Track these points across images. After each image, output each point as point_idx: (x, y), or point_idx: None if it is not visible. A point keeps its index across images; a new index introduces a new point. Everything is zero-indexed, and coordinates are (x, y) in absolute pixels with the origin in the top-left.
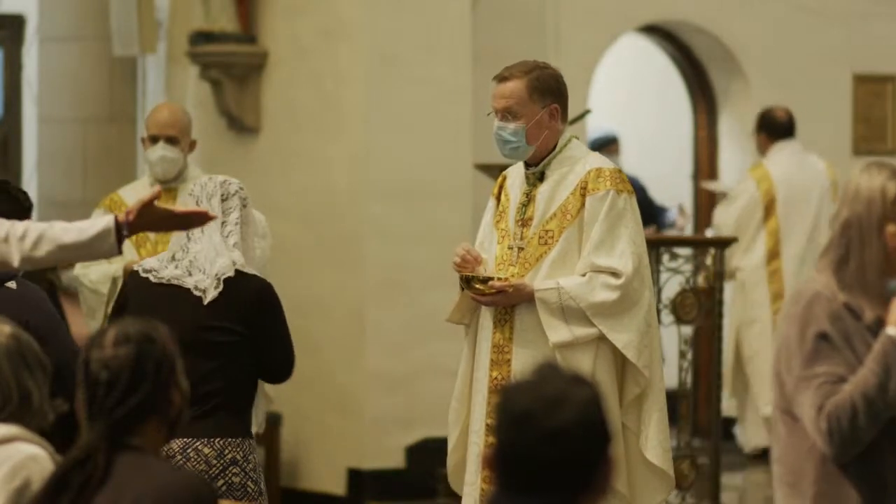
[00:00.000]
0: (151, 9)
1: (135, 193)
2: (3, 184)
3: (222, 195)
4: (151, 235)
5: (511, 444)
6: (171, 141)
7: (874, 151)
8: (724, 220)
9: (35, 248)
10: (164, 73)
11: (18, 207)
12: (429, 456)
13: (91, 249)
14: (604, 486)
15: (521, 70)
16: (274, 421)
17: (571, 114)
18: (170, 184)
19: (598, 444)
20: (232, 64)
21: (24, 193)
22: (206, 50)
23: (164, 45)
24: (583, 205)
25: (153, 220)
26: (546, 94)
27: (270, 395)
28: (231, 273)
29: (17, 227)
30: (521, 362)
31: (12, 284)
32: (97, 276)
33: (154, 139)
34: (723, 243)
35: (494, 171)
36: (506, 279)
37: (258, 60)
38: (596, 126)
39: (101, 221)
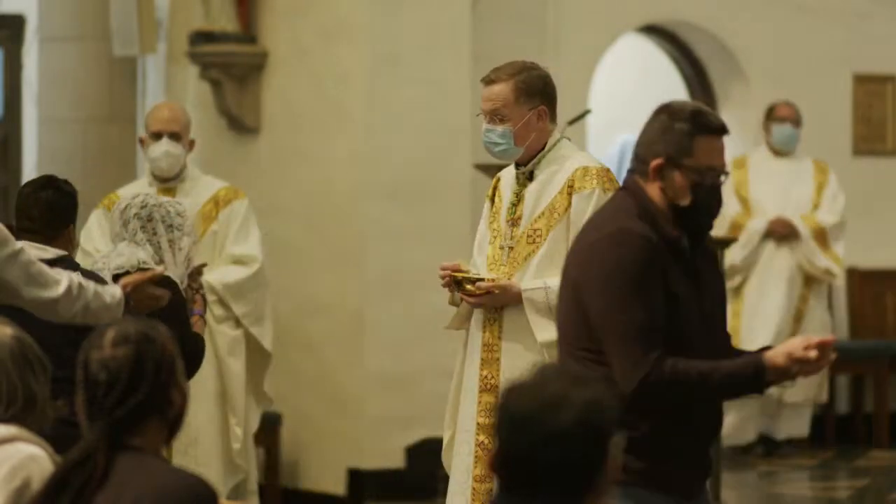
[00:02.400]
0: (151, 9)
1: (134, 193)
2: (51, 179)
3: (123, 221)
4: None
5: (512, 446)
6: (174, 137)
7: (874, 151)
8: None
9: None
10: (164, 73)
11: (71, 200)
12: (429, 456)
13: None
14: (606, 487)
15: (508, 72)
16: (274, 421)
17: (571, 114)
18: (169, 183)
19: (600, 445)
20: (232, 64)
21: (69, 183)
22: (206, 50)
23: (164, 45)
24: (570, 203)
25: (141, 299)
26: (533, 96)
27: (270, 396)
28: (132, 268)
29: (74, 283)
30: (510, 361)
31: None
32: None
33: (156, 136)
34: (723, 243)
35: (494, 171)
36: (493, 280)
37: (258, 60)
38: (597, 126)
39: (115, 292)
